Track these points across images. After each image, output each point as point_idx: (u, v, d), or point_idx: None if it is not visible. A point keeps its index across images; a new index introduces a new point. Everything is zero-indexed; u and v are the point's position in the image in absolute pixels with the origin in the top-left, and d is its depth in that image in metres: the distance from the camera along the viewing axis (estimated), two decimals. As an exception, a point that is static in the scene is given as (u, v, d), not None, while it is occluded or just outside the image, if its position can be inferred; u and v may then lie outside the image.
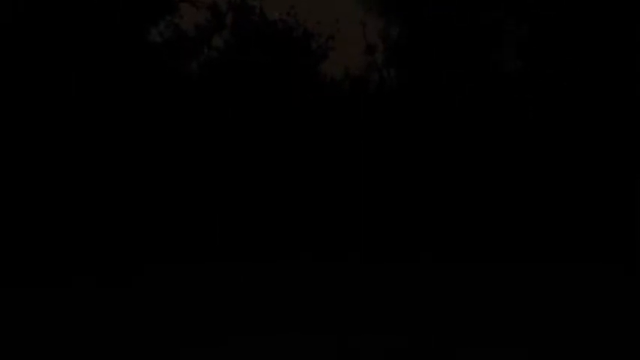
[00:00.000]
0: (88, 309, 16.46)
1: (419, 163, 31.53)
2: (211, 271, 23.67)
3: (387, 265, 24.75)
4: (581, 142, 29.98)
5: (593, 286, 19.40)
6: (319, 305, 16.75)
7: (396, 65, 33.24)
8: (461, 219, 30.06)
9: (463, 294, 18.21)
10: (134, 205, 29.51)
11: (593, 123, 29.97)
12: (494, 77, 31.82)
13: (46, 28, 29.71)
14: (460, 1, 32.29)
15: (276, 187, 32.13)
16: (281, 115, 33.66)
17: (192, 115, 32.57)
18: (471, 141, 31.42)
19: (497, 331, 13.80)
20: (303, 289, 19.21)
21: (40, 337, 13.60)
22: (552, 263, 25.70)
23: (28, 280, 21.63)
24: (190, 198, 31.17)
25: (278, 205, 31.77)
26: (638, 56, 29.79)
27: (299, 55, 35.41)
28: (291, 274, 22.73)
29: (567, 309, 16.03)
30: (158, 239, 28.88)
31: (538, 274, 22.33)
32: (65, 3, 29.81)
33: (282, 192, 32.14)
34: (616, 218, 28.71)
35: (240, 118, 33.20)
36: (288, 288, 19.47)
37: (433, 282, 20.40)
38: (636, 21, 29.90)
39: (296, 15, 35.51)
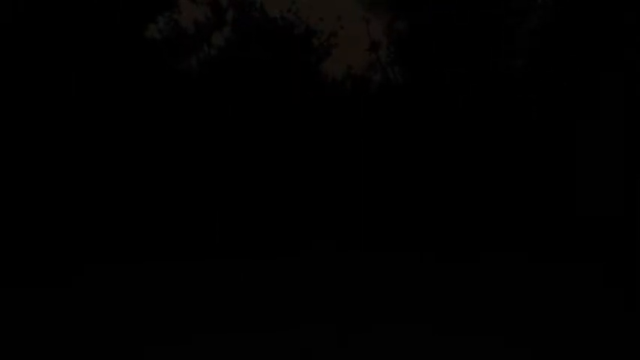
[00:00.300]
0: (87, 307, 16.48)
1: (421, 162, 31.54)
2: (211, 268, 23.59)
3: (386, 264, 24.75)
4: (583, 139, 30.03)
5: (588, 286, 19.41)
6: (317, 304, 16.87)
7: (401, 62, 33.14)
8: (463, 218, 30.11)
9: (461, 293, 18.30)
10: (132, 203, 29.58)
11: (594, 121, 30.02)
12: (498, 75, 31.82)
13: (44, 25, 29.77)
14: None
15: (275, 186, 32.14)
16: (282, 113, 33.60)
17: (192, 113, 32.53)
18: (475, 140, 31.45)
19: (497, 328, 13.93)
20: (302, 288, 19.32)
21: (39, 337, 13.68)
22: (558, 263, 25.69)
23: (38, 279, 21.84)
24: (190, 196, 31.20)
25: (277, 204, 31.80)
26: (638, 54, 29.81)
27: (300, 52, 35.32)
28: (290, 272, 22.59)
29: (560, 308, 16.24)
30: (156, 237, 28.94)
31: (540, 272, 22.41)
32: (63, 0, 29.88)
33: (281, 191, 32.13)
34: (617, 218, 28.75)
35: (240, 116, 33.15)
36: (287, 286, 19.56)
37: (434, 282, 20.40)
38: (637, 18, 29.90)
39: (297, 12, 35.62)
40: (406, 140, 32.22)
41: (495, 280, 20.67)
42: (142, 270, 23.30)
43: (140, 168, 30.14)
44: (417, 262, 24.31)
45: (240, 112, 33.23)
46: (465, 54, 32.20)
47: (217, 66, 34.11)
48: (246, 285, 19.73)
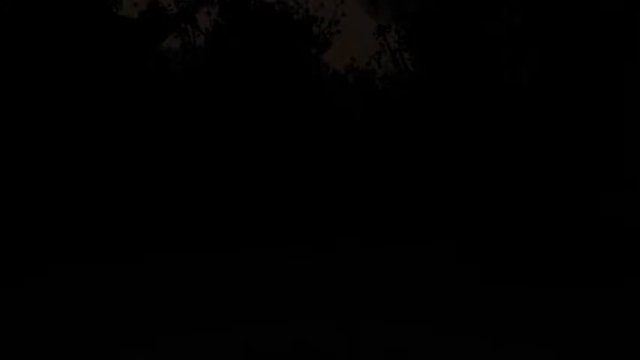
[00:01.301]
0: (86, 307, 16.49)
1: (441, 156, 30.93)
2: (210, 260, 24.22)
3: (386, 268, 24.41)
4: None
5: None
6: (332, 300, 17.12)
7: (411, 48, 32.46)
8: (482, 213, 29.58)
9: (465, 291, 18.56)
10: (125, 197, 28.98)
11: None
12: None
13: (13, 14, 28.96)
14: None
15: (291, 183, 31.71)
16: (279, 107, 32.76)
17: (183, 102, 31.57)
18: (492, 135, 30.82)
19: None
20: (300, 284, 19.46)
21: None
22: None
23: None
24: (182, 188, 30.45)
25: (298, 200, 31.47)
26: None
27: (300, 41, 34.61)
28: (288, 270, 22.61)
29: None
30: (155, 228, 28.58)
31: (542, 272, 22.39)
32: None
33: (302, 187, 31.79)
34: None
35: (241, 108, 32.19)
36: (284, 282, 19.78)
37: (435, 281, 20.57)
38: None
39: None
40: (424, 133, 31.71)
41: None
42: (149, 260, 23.85)
43: (126, 160, 29.28)
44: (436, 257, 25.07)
45: (238, 103, 32.34)
46: (474, 49, 31.65)
47: (205, 51, 33.15)
48: (242, 279, 20.15)
